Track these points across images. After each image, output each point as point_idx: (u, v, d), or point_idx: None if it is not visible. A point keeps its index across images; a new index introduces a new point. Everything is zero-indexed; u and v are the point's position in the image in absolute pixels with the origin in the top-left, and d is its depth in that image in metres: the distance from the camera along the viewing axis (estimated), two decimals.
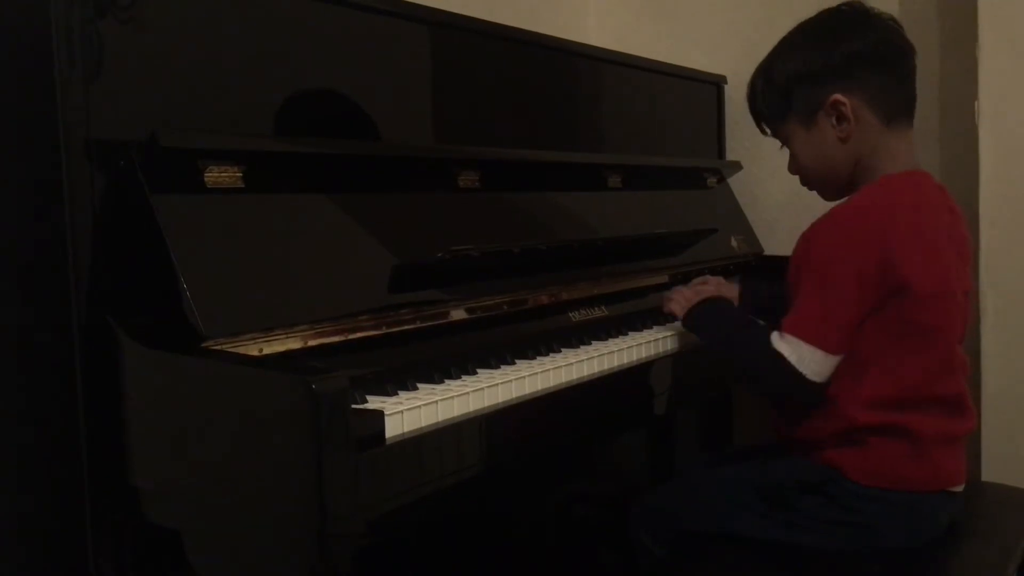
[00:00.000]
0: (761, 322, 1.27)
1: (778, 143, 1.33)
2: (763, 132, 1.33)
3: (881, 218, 1.15)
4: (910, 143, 1.25)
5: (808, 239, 1.20)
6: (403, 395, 1.04)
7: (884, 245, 1.13)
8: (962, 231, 1.26)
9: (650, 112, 1.97)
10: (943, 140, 1.99)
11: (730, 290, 1.52)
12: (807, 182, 1.31)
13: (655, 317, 1.53)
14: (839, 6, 1.27)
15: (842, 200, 1.24)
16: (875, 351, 1.17)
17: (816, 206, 1.25)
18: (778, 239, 2.06)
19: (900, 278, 1.13)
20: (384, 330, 1.14)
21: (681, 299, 1.42)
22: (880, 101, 1.22)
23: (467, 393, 1.05)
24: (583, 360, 1.25)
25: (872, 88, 1.22)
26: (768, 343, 1.18)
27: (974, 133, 1.78)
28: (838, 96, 1.21)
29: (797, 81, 1.25)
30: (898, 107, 1.23)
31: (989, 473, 1.77)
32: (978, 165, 1.77)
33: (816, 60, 1.24)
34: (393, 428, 0.94)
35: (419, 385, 1.07)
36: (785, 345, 1.17)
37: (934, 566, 1.17)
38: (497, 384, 1.09)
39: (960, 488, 1.24)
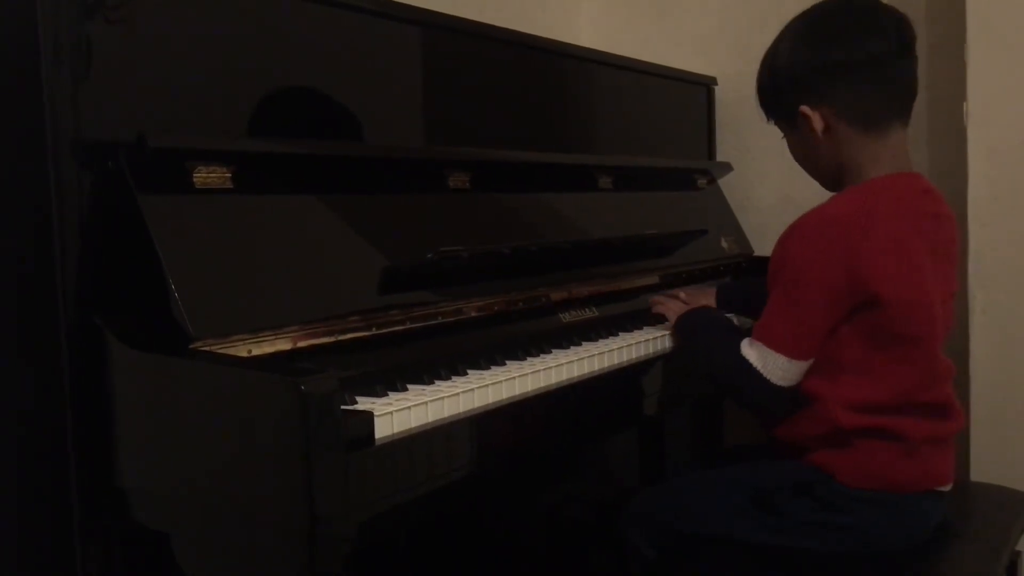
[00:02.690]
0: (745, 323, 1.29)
1: (770, 140, 1.34)
2: (767, 120, 1.32)
3: (853, 229, 1.13)
4: (899, 144, 1.23)
5: (785, 242, 1.20)
6: (393, 396, 1.03)
7: (853, 258, 1.12)
8: (949, 234, 1.25)
9: (640, 113, 1.98)
10: (932, 141, 1.99)
11: (708, 296, 1.55)
12: (804, 170, 1.33)
13: (645, 318, 1.54)
14: (826, 3, 1.25)
15: (824, 199, 1.24)
16: (853, 358, 1.17)
17: (806, 207, 1.25)
18: (768, 240, 2.04)
19: (870, 290, 1.13)
20: (374, 331, 1.14)
21: (675, 305, 1.46)
22: (853, 111, 1.20)
23: (457, 394, 1.05)
24: (573, 361, 1.24)
25: (840, 99, 1.20)
26: (737, 350, 1.20)
27: (963, 134, 1.79)
28: (804, 109, 1.21)
29: (776, 86, 1.26)
30: (877, 113, 1.20)
31: (978, 473, 1.78)
32: (967, 165, 1.78)
33: (785, 70, 1.24)
34: (383, 429, 0.94)
35: (409, 386, 1.07)
36: (753, 351, 1.19)
37: (923, 566, 1.17)
38: (487, 385, 1.09)
39: (948, 487, 1.24)
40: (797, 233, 1.18)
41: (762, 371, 1.17)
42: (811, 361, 1.18)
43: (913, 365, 1.18)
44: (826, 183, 1.30)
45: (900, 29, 1.21)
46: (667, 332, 1.45)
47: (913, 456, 1.18)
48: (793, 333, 1.16)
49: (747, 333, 1.23)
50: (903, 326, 1.15)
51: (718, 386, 1.35)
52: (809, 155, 1.27)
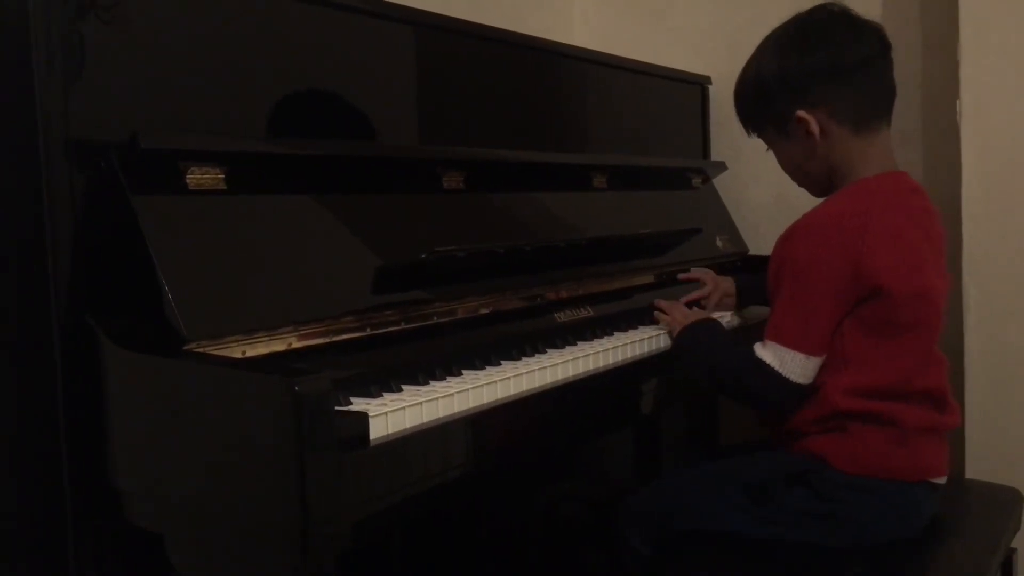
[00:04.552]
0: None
1: (762, 145, 1.35)
2: (748, 134, 1.34)
3: (855, 226, 1.16)
4: (886, 144, 1.26)
5: (785, 243, 1.22)
6: (387, 396, 1.03)
7: (858, 254, 1.15)
8: (939, 230, 1.28)
9: (635, 112, 1.98)
10: (925, 139, 2.00)
11: (728, 284, 1.54)
12: (794, 180, 1.34)
13: (640, 317, 1.53)
14: (806, 13, 1.28)
15: (820, 202, 1.26)
16: (854, 346, 1.19)
17: (801, 207, 1.27)
18: (763, 239, 2.07)
19: (875, 283, 1.16)
20: (368, 331, 1.14)
21: (678, 315, 1.45)
22: (845, 113, 1.23)
23: (452, 394, 1.05)
24: (568, 360, 1.24)
25: (834, 102, 1.22)
26: (752, 353, 1.22)
27: (956, 132, 1.79)
28: (801, 113, 1.23)
29: (766, 95, 1.27)
30: (866, 114, 1.24)
31: (973, 470, 1.78)
32: (960, 163, 1.78)
33: (777, 76, 1.25)
34: (377, 430, 0.94)
35: (404, 386, 1.07)
36: (768, 352, 1.20)
37: (919, 562, 1.17)
38: (482, 385, 1.09)
39: (943, 480, 1.25)
40: (798, 234, 1.21)
41: (780, 371, 1.19)
42: (824, 356, 1.19)
43: (911, 352, 1.20)
44: (816, 189, 1.32)
45: (880, 34, 1.26)
46: (663, 331, 1.45)
47: (907, 444, 1.20)
48: (805, 330, 1.18)
49: (755, 339, 1.24)
50: (906, 315, 1.18)
51: (730, 393, 1.35)
52: (802, 162, 1.29)
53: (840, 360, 1.19)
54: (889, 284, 1.16)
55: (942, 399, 1.24)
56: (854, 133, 1.23)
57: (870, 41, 1.24)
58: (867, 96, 1.24)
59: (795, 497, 1.20)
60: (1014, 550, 1.37)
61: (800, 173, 1.31)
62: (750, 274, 1.68)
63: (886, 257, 1.16)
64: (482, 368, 1.18)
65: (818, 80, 1.22)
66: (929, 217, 1.26)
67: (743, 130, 1.36)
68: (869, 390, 1.18)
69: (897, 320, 1.18)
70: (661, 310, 1.49)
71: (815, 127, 1.23)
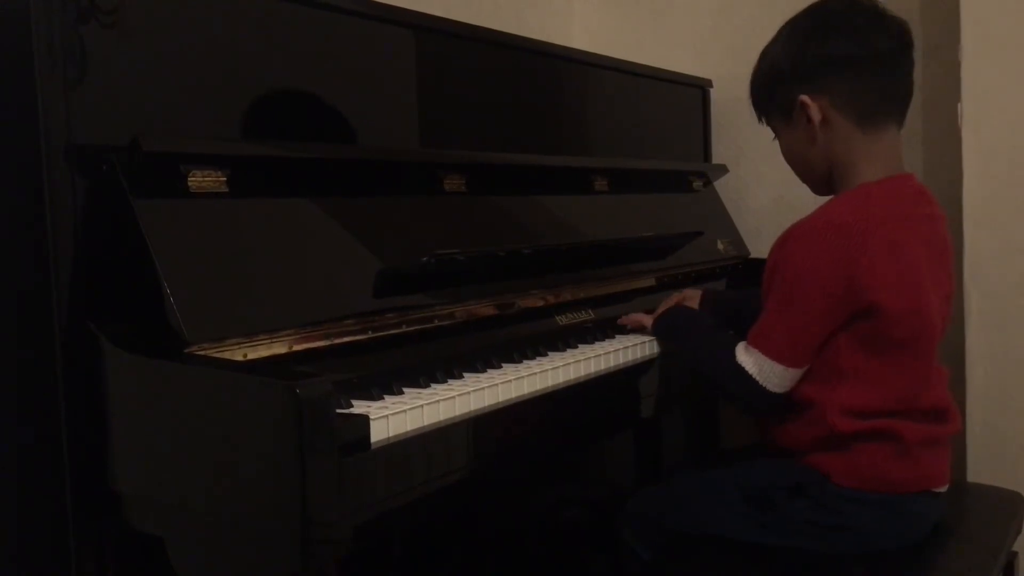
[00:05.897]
0: (731, 332, 1.29)
1: (765, 142, 1.34)
2: (759, 120, 1.33)
3: (851, 236, 1.13)
4: (892, 144, 1.23)
5: (780, 247, 1.20)
6: (389, 399, 1.03)
7: (852, 266, 1.12)
8: (943, 234, 1.25)
9: (636, 115, 1.98)
10: (926, 142, 2.00)
11: (693, 296, 1.53)
12: (795, 173, 1.32)
13: None
14: (828, 2, 1.26)
15: (820, 204, 1.24)
16: (851, 365, 1.17)
17: (802, 209, 1.26)
18: (764, 242, 2.05)
19: (869, 299, 1.13)
20: (370, 334, 1.14)
21: (643, 315, 1.45)
22: (851, 104, 1.20)
23: (453, 397, 1.05)
24: (569, 363, 1.24)
25: (840, 92, 1.20)
26: (733, 355, 1.20)
27: (957, 135, 1.79)
28: (803, 98, 1.21)
29: (775, 79, 1.26)
30: (873, 109, 1.21)
31: (974, 474, 1.78)
32: (961, 166, 1.78)
33: (787, 60, 1.24)
34: (378, 433, 0.94)
35: (405, 389, 1.07)
36: (749, 358, 1.19)
37: (920, 566, 1.17)
38: (483, 388, 1.09)
39: (944, 488, 1.24)
40: (793, 240, 1.18)
41: (758, 379, 1.18)
42: (805, 369, 1.18)
43: (910, 370, 1.18)
44: (817, 185, 1.29)
45: (903, 31, 1.22)
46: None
47: (908, 457, 1.18)
48: (790, 342, 1.16)
49: (735, 333, 1.23)
50: (901, 332, 1.16)
51: (707, 386, 1.35)
52: (803, 152, 1.26)
53: (835, 374, 1.17)
54: (883, 301, 1.13)
55: (944, 412, 1.22)
56: (858, 127, 1.20)
57: (890, 35, 1.21)
58: (876, 90, 1.21)
59: (796, 507, 1.19)
60: (1015, 554, 1.36)
61: (801, 165, 1.28)
62: (720, 290, 1.66)
63: (882, 273, 1.13)
64: (483, 371, 1.18)
65: (827, 67, 1.20)
66: (933, 224, 1.23)
67: (746, 129, 1.35)
68: (869, 410, 1.16)
69: (891, 336, 1.15)
70: (626, 324, 1.48)
71: (816, 114, 1.20)
